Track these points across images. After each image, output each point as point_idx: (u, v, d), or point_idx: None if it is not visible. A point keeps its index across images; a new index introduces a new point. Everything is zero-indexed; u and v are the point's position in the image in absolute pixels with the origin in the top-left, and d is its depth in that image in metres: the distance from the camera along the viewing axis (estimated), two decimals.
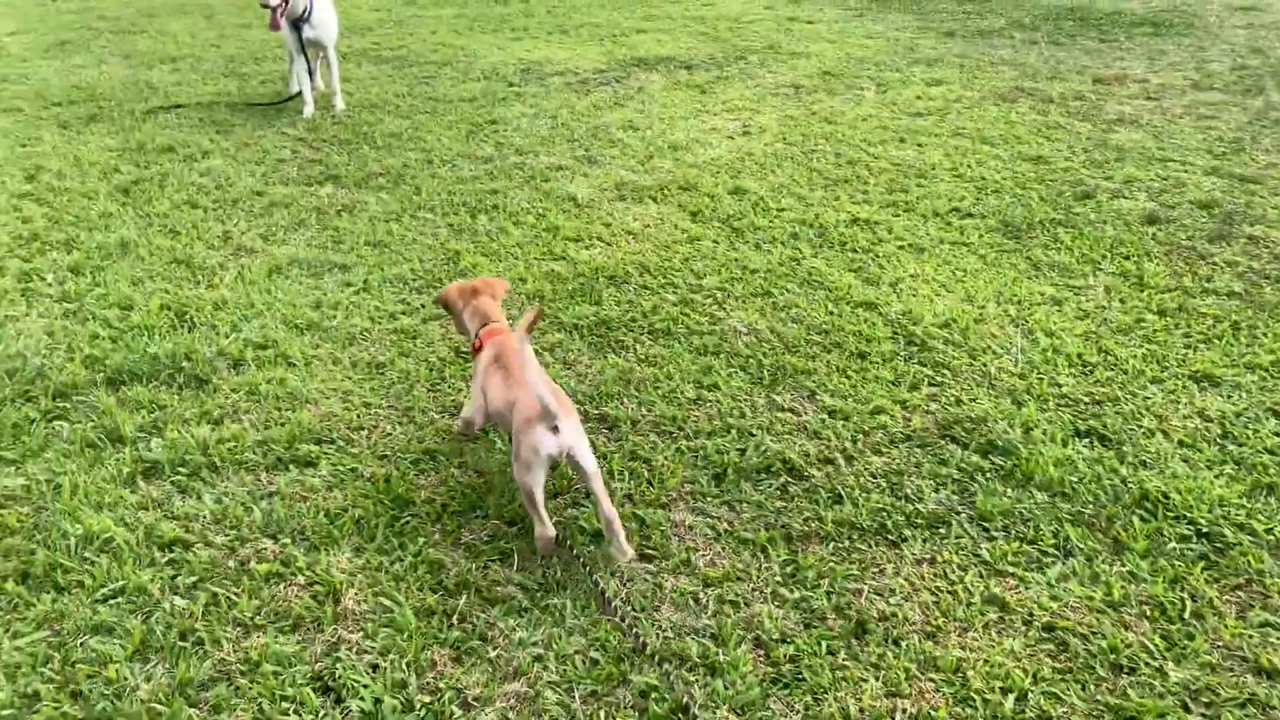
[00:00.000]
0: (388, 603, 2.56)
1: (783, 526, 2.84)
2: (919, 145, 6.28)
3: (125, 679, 2.35)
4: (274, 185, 5.63)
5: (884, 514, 2.88)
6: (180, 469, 3.10)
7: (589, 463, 2.66)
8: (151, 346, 3.78)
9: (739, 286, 4.33)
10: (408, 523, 2.86)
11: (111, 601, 2.57)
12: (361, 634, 2.48)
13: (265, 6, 6.44)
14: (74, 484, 3.01)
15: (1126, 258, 4.57)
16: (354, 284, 4.40)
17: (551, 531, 2.70)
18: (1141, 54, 8.97)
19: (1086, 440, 3.22)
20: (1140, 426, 3.28)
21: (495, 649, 2.43)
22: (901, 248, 4.72)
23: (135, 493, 3.00)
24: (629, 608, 2.55)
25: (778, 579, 2.66)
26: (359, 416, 3.39)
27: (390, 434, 3.30)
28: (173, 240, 4.84)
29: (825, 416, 3.36)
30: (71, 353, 3.76)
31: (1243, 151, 6.13)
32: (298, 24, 6.67)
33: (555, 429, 2.57)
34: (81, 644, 2.44)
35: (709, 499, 2.97)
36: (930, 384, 3.57)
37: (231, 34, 10.05)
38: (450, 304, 3.18)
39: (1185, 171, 5.75)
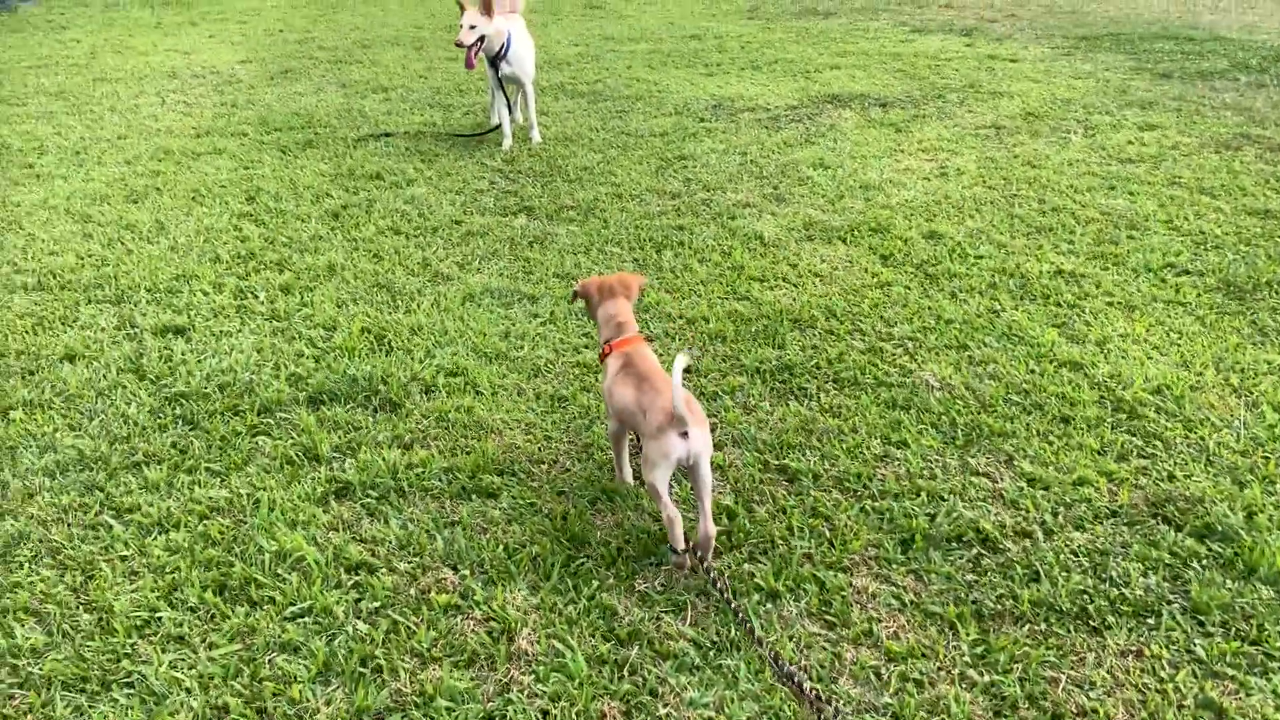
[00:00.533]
0: (560, 646, 2.55)
1: (974, 602, 2.68)
2: (1130, 194, 5.91)
3: (307, 700, 2.42)
4: (472, 215, 5.81)
5: (1085, 597, 2.67)
6: (370, 491, 3.20)
7: (706, 473, 2.71)
8: (351, 368, 3.94)
9: (932, 337, 4.16)
10: (583, 564, 2.85)
11: (299, 620, 2.67)
12: (533, 677, 2.47)
13: (460, 45, 6.68)
14: (272, 500, 3.15)
15: None
16: (541, 315, 4.47)
17: (677, 515, 2.74)
18: None
19: None
20: None
21: (665, 706, 2.38)
22: (1110, 304, 4.43)
23: (328, 512, 3.11)
24: (806, 677, 2.45)
25: (966, 659, 2.50)
26: (540, 450, 3.42)
27: (569, 469, 3.32)
28: (376, 264, 5.05)
29: (1023, 484, 3.17)
30: (277, 370, 3.96)
31: None
32: (495, 61, 6.89)
33: (685, 434, 2.64)
34: (270, 660, 2.54)
35: (894, 565, 2.83)
36: (1140, 455, 3.31)
37: (439, 66, 10.51)
38: (588, 298, 3.25)
39: None
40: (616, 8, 15.24)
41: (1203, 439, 3.38)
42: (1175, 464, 3.25)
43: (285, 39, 12.40)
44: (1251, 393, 3.67)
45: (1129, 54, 10.60)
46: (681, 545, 2.74)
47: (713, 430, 3.45)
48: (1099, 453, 3.33)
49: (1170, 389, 3.68)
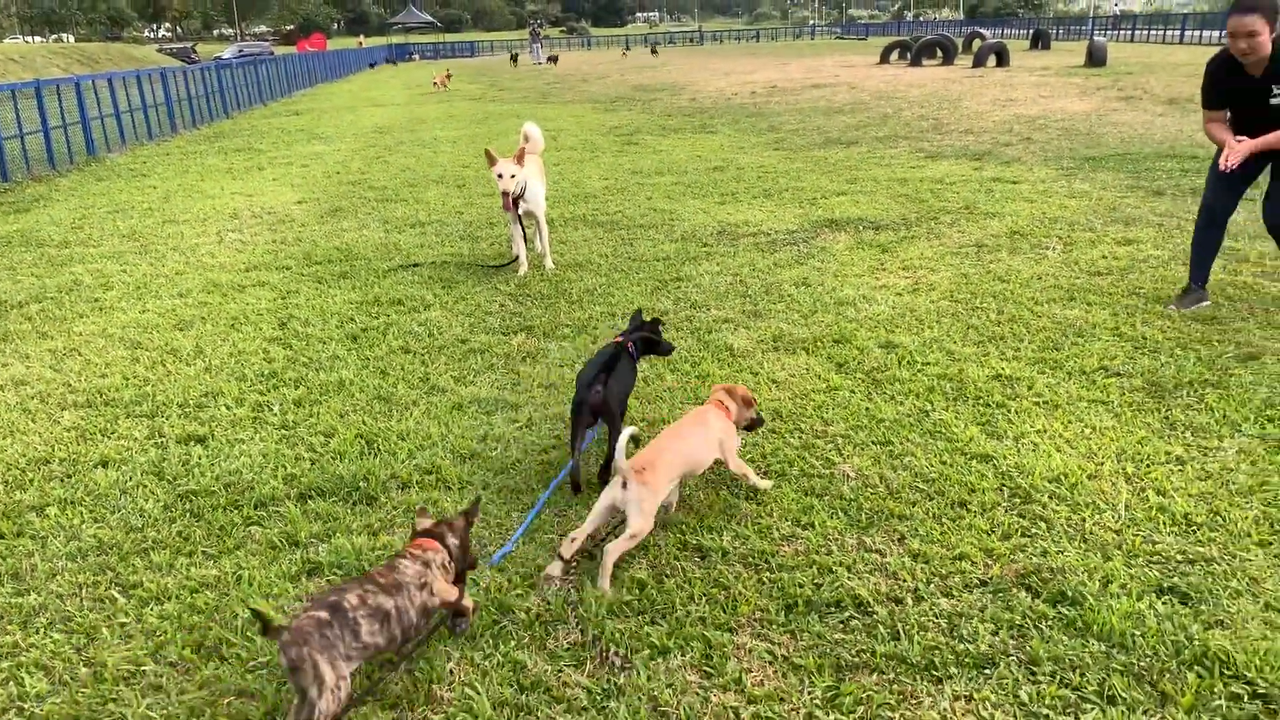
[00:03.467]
0: (471, 693, 2.98)
1: (835, 655, 3.05)
2: (1088, 304, 6.32)
3: None
4: (477, 334, 6.42)
5: (935, 651, 3.03)
6: (337, 570, 3.70)
7: (634, 523, 3.47)
8: (339, 468, 4.49)
9: (862, 434, 4.58)
10: (505, 627, 3.29)
11: (258, 671, 3.14)
12: (443, 716, 2.90)
13: (506, 194, 7.47)
14: (252, 577, 3.66)
15: (1272, 420, 4.46)
16: (520, 420, 4.99)
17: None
18: None
19: (1166, 597, 3.22)
20: (1228, 587, 3.25)
21: None
22: (1036, 404, 4.81)
23: (298, 587, 3.61)
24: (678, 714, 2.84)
25: (817, 702, 2.87)
26: (491, 534, 3.90)
27: (513, 552, 3.77)
28: (381, 379, 5.65)
29: (908, 559, 3.54)
30: (276, 471, 4.53)
31: None
32: (515, 200, 7.64)
33: (625, 484, 3.50)
34: (229, 703, 3.00)
35: (775, 627, 3.22)
36: (1023, 535, 3.66)
37: (475, 201, 11.40)
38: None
39: None
40: (651, 144, 16.23)
41: (1083, 520, 3.73)
42: (1052, 542, 3.60)
43: (340, 180, 13.50)
44: (1143, 480, 4.01)
45: (1130, 173, 11.07)
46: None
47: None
48: (987, 532, 3.69)
49: (1067, 477, 4.04)
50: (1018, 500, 3.91)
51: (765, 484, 4.08)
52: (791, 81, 29.27)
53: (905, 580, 3.41)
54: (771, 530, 3.79)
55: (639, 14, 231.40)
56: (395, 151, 16.69)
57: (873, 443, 4.50)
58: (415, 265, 8.32)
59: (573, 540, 3.53)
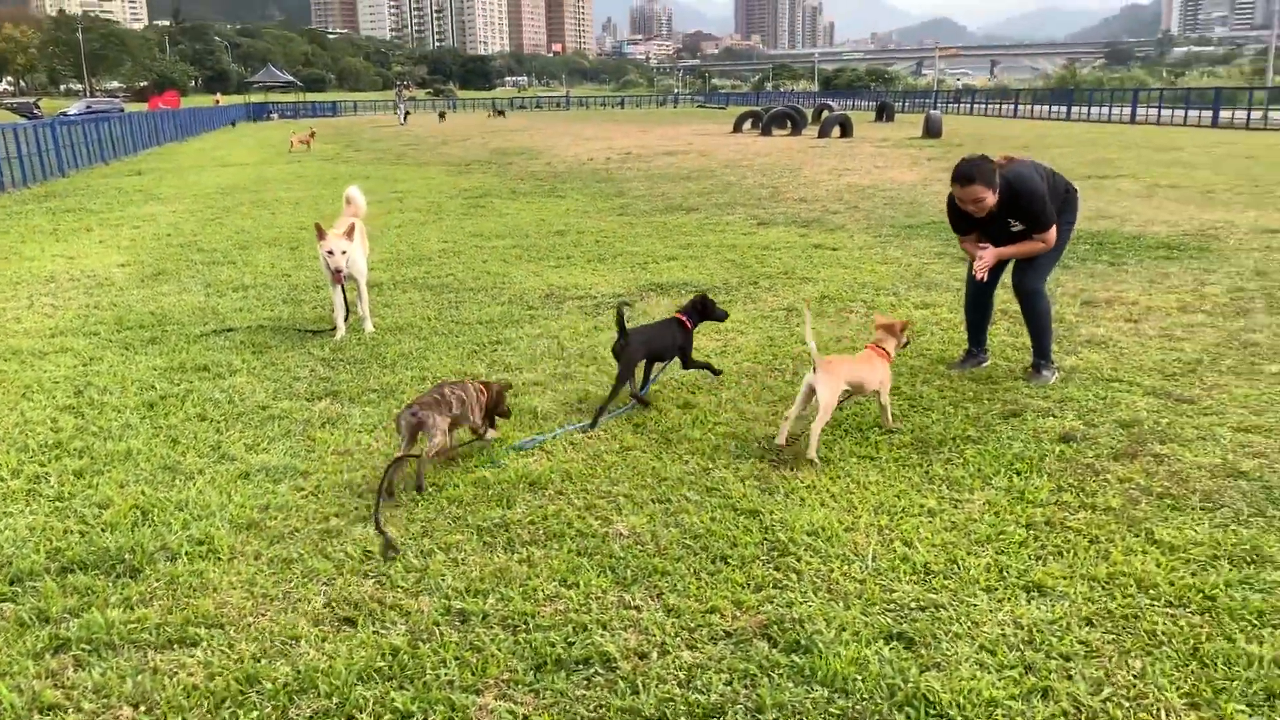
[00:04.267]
0: None
1: (573, 713, 3.12)
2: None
3: None
4: (280, 400, 6.33)
5: (668, 703, 3.13)
6: (85, 645, 3.58)
7: (822, 396, 5.04)
8: (108, 540, 4.35)
9: (644, 493, 4.71)
10: (249, 698, 3.25)
11: None
12: None
13: (336, 270, 7.50)
14: None
15: (1019, 474, 4.79)
16: (306, 488, 4.94)
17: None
18: (1145, 277, 9.27)
19: (893, 643, 3.42)
20: (950, 631, 3.47)
21: None
22: (811, 460, 5.04)
23: (39, 664, 3.48)
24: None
25: None
26: (253, 605, 3.84)
27: (272, 623, 3.72)
28: (170, 449, 5.51)
29: (661, 614, 3.65)
30: (40, 544, 4.36)
31: (1194, 372, 6.32)
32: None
33: (814, 369, 5.07)
34: None
35: (521, 687, 3.27)
36: (775, 586, 3.83)
37: (306, 264, 11.26)
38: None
39: (1127, 392, 5.96)
40: (499, 207, 16.37)
41: (831, 571, 3.92)
42: (799, 592, 3.77)
43: (170, 242, 13.14)
44: (894, 531, 4.24)
45: (941, 240, 11.74)
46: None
47: (416, 575, 3.92)
48: (742, 585, 3.84)
49: (825, 530, 4.25)
50: (776, 553, 4.08)
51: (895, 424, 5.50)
52: (647, 148, 30.00)
53: (655, 635, 3.52)
54: (537, 591, 3.85)
55: (508, 78, 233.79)
56: (233, 213, 16.35)
57: (652, 501, 4.63)
58: (229, 330, 8.16)
59: (786, 419, 5.14)
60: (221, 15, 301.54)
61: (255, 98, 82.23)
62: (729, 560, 4.03)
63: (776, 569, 3.96)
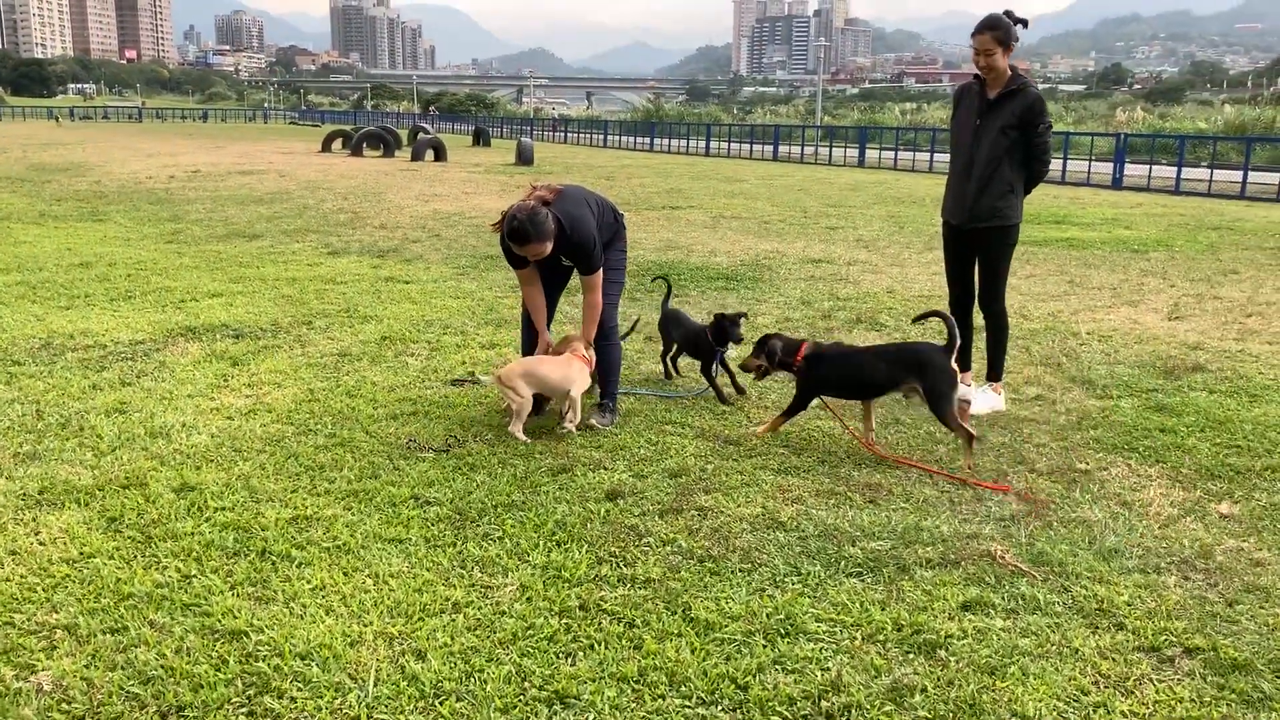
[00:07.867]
0: None
1: None
2: (429, 417, 6.00)
3: None
4: None
5: None
6: None
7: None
8: None
9: (94, 621, 3.65)
10: None
11: None
12: None
13: None
14: None
15: (559, 544, 4.31)
16: None
17: None
18: (705, 308, 9.39)
19: None
20: None
21: None
22: (327, 551, 4.23)
23: None
24: None
25: None
26: None
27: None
28: None
29: None
30: None
31: (742, 410, 6.28)
32: None
33: None
34: None
35: None
36: None
37: None
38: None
39: (679, 435, 5.76)
40: (16, 233, 14.00)
41: (320, 707, 3.15)
42: None
43: None
44: (408, 639, 3.55)
45: None
46: None
47: None
48: None
49: (324, 649, 3.45)
50: (255, 690, 3.24)
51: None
52: (219, 167, 27.54)
53: None
54: None
55: (72, 85, 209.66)
56: None
57: (103, 631, 3.59)
58: None
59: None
60: None
61: None
62: (186, 713, 3.13)
63: (250, 714, 3.12)
